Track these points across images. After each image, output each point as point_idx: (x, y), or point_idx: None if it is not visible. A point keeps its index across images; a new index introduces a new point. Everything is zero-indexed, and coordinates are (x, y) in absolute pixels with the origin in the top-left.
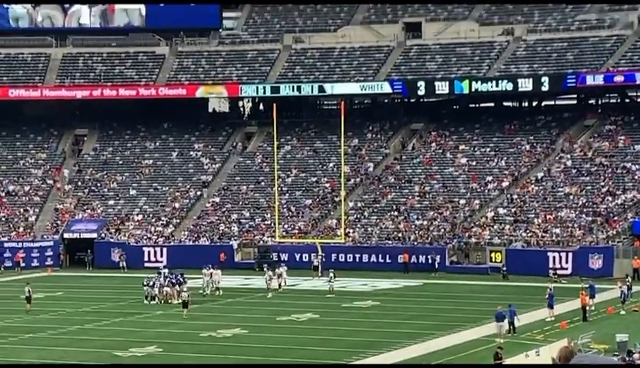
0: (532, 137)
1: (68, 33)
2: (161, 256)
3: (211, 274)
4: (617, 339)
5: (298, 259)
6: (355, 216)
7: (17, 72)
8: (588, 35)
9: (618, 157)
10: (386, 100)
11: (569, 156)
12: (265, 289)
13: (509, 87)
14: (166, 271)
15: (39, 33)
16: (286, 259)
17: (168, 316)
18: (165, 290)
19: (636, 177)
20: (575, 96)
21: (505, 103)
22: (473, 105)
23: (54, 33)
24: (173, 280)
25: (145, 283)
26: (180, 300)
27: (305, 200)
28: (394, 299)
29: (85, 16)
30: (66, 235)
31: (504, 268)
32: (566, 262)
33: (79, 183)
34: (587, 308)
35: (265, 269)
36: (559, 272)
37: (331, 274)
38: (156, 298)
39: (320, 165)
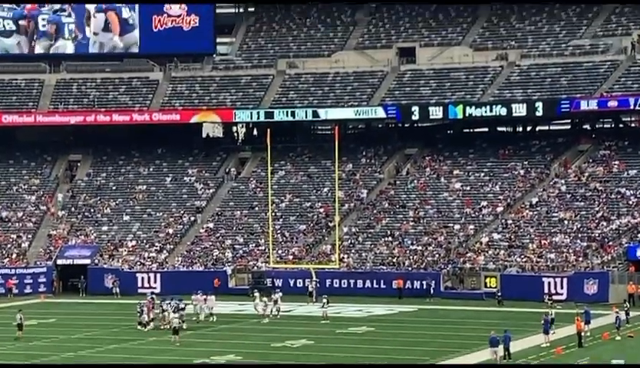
0: (526, 162)
1: (62, 59)
2: (155, 282)
3: (205, 299)
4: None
5: (292, 285)
6: (350, 241)
7: (10, 98)
8: (582, 60)
9: (613, 182)
10: (380, 125)
11: (563, 181)
12: (256, 315)
13: (503, 112)
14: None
15: (33, 59)
16: (280, 285)
17: (162, 342)
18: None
19: (630, 202)
20: (569, 121)
21: (499, 128)
22: (467, 130)
23: (48, 59)
24: (179, 306)
25: (139, 310)
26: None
27: (299, 225)
28: (388, 325)
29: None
30: (59, 261)
31: (499, 294)
32: (561, 287)
33: (72, 209)
34: (582, 334)
35: (254, 294)
36: (554, 297)
37: (325, 300)
38: (154, 324)
39: (314, 191)
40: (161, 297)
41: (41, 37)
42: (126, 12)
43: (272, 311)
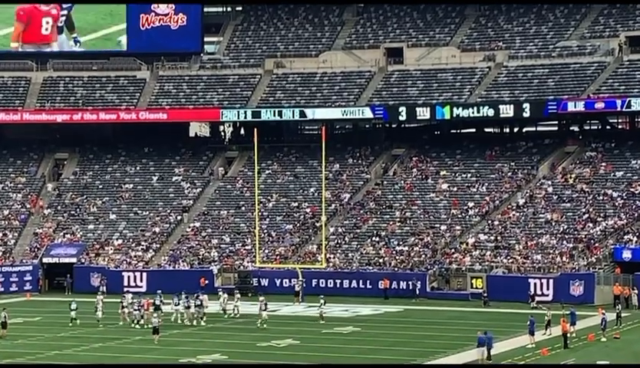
0: (513, 163)
1: (49, 57)
2: (141, 281)
3: (202, 301)
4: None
5: (278, 284)
6: (336, 242)
7: None
8: (570, 62)
9: (599, 183)
10: (367, 126)
11: (550, 182)
12: (243, 314)
13: (491, 112)
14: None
15: (20, 56)
16: (266, 285)
17: (148, 341)
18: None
19: (617, 204)
20: (556, 122)
21: (486, 129)
22: (455, 131)
23: (35, 56)
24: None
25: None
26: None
27: (286, 225)
28: (374, 325)
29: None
30: (45, 260)
31: (485, 295)
32: (547, 289)
33: (59, 207)
34: (568, 335)
35: (232, 294)
36: (539, 299)
37: (322, 301)
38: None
39: (301, 191)
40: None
41: None
42: None
43: (234, 310)
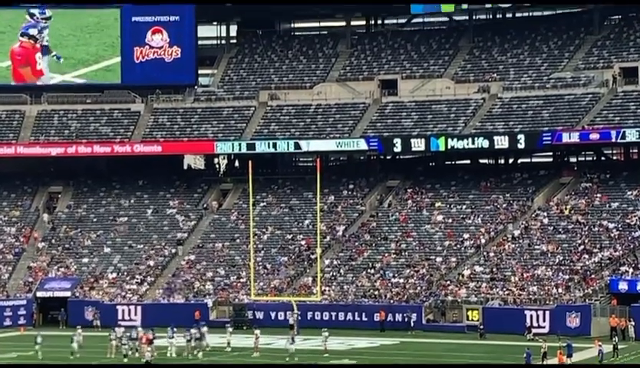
0: (508, 194)
1: (43, 90)
2: (135, 314)
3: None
4: None
5: (273, 317)
6: (331, 274)
7: None
8: (564, 93)
9: (595, 215)
10: (362, 157)
11: (545, 213)
12: (236, 347)
13: (485, 144)
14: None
15: (14, 90)
16: (261, 317)
17: None
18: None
19: (612, 235)
20: (551, 153)
21: (481, 161)
22: (449, 162)
23: (29, 90)
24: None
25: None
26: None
27: (281, 258)
28: (370, 358)
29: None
30: (39, 294)
31: (481, 327)
32: (544, 320)
33: (53, 241)
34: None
35: (227, 327)
36: (536, 331)
37: (326, 333)
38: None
39: (296, 223)
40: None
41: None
42: None
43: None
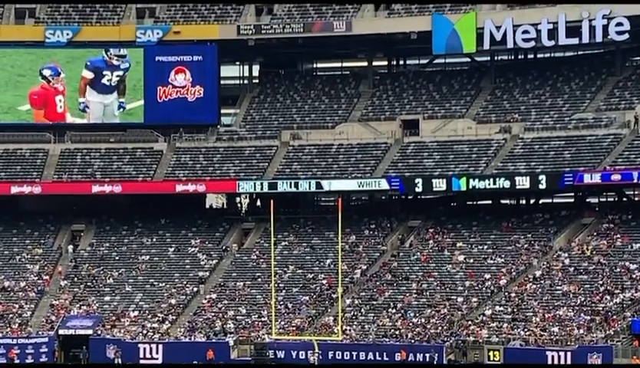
0: (529, 235)
1: (67, 129)
2: (157, 353)
3: None
4: None
5: (294, 356)
6: (352, 313)
7: (15, 168)
8: (586, 134)
9: (616, 256)
10: (383, 197)
11: (566, 254)
12: None
13: (507, 184)
14: None
15: (38, 129)
16: (283, 357)
17: None
18: None
19: (634, 276)
20: (572, 194)
21: (502, 201)
22: (471, 202)
23: (53, 129)
24: None
25: None
26: None
27: (302, 297)
28: None
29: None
30: (61, 332)
31: None
32: (565, 361)
33: (75, 279)
34: None
35: None
36: None
37: None
38: None
39: (317, 262)
40: None
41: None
42: None
43: None
